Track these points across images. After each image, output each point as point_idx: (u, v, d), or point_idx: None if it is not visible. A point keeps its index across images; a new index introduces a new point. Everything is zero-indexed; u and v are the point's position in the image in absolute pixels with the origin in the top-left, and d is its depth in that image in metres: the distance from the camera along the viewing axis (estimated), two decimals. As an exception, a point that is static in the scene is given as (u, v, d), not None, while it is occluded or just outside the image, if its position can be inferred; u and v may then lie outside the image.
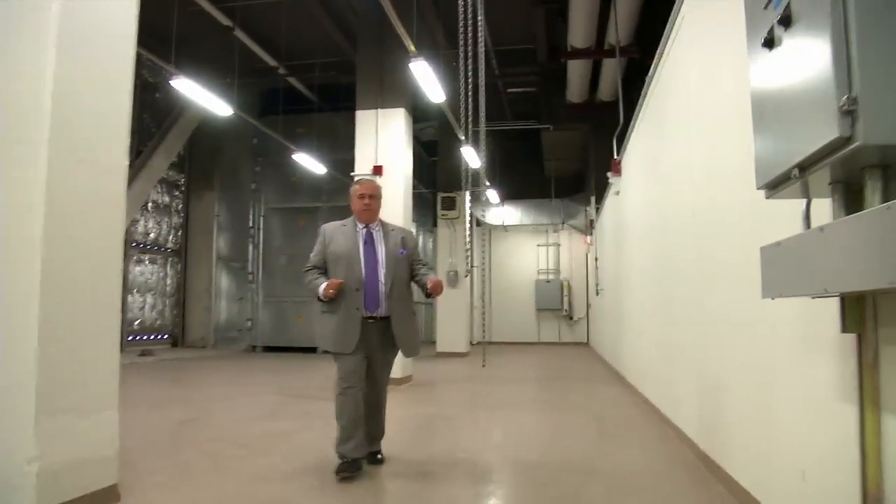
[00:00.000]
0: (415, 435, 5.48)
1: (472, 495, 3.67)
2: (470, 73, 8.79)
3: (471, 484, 3.88)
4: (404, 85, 9.29)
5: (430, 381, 9.57)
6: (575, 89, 14.39)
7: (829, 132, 1.49)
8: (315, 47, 14.37)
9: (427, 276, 4.19)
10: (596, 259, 14.67)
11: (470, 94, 9.03)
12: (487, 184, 15.26)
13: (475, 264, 19.39)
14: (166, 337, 16.35)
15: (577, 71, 13.55)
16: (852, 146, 1.45)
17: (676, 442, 4.89)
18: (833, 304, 2.03)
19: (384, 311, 4.03)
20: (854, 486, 1.95)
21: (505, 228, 19.61)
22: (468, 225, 13.30)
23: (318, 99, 15.86)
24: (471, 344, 16.71)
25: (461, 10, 8.17)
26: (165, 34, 10.81)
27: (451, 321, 15.03)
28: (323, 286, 3.90)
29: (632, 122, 8.01)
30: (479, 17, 8.67)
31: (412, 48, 7.32)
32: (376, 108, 9.21)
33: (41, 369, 2.79)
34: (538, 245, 20.53)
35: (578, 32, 11.70)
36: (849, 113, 1.43)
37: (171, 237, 16.57)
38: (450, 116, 9.71)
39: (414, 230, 19.60)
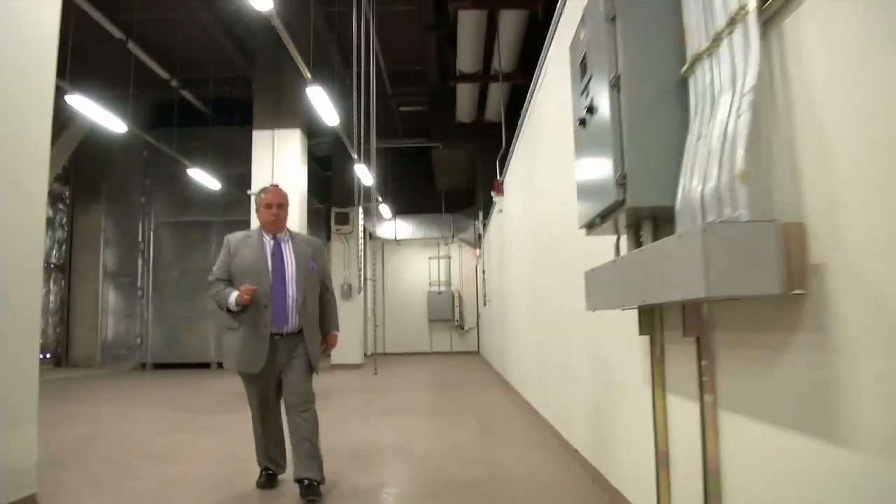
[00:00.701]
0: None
1: (370, 483, 4.18)
2: (363, 95, 9.28)
3: (366, 474, 4.38)
4: (300, 106, 9.69)
5: (326, 391, 9.93)
6: (464, 110, 15.18)
7: (611, 196, 2.14)
8: (210, 62, 14.41)
9: (330, 321, 4.09)
10: (483, 271, 15.50)
11: (362, 114, 9.53)
12: (380, 199, 15.81)
13: (369, 277, 19.87)
14: (48, 356, 15.78)
15: (465, 93, 14.34)
16: (625, 206, 2.10)
17: (542, 429, 5.60)
18: (636, 314, 2.71)
19: (294, 327, 3.82)
20: (651, 449, 2.63)
21: (397, 242, 20.19)
22: (361, 241, 13.73)
23: (213, 113, 15.87)
24: (365, 355, 17.12)
25: (354, 33, 8.71)
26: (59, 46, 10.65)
27: (344, 333, 15.27)
28: (234, 295, 3.69)
29: (512, 145, 8.78)
30: (373, 42, 9.19)
31: (308, 75, 7.77)
32: (273, 129, 9.58)
33: (-30, 385, 3.07)
34: (430, 258, 21.22)
35: (466, 58, 12.47)
36: (622, 184, 2.08)
37: (53, 252, 16.01)
38: (343, 137, 10.18)
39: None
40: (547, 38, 5.54)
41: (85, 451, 5.34)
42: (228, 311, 3.77)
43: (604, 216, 2.34)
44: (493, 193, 10.65)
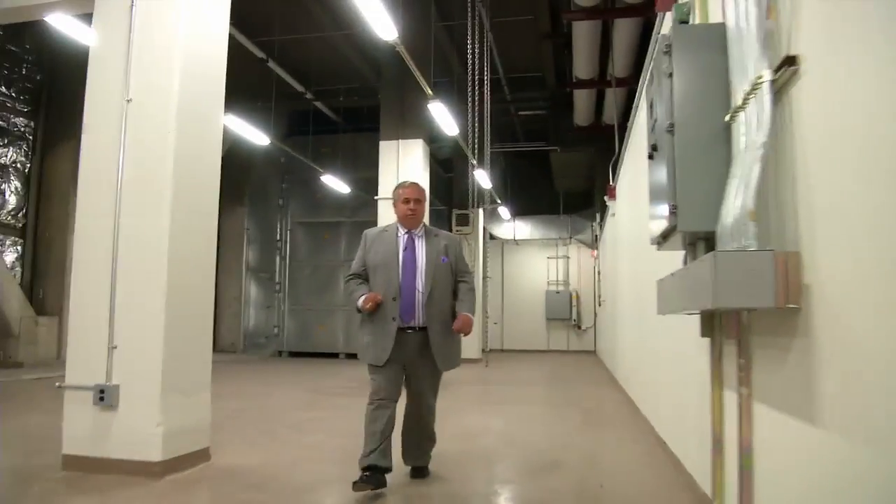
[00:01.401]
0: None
1: (479, 462, 4.77)
2: (476, 104, 9.89)
3: (468, 453, 4.98)
4: (422, 117, 10.44)
5: (445, 382, 10.62)
6: (581, 114, 15.45)
7: (667, 222, 2.60)
8: (340, 75, 15.59)
9: (462, 303, 3.95)
10: (599, 272, 15.72)
11: (477, 122, 10.14)
12: (498, 202, 16.39)
13: (488, 275, 20.52)
14: (200, 342, 17.60)
15: (582, 98, 14.63)
16: (677, 231, 2.55)
17: (640, 424, 5.97)
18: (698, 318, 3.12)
19: (421, 322, 3.80)
20: (709, 434, 3.05)
21: (516, 242, 20.69)
22: (481, 241, 14.34)
23: (343, 121, 17.08)
24: (483, 351, 17.78)
25: (469, 45, 9.33)
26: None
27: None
28: (361, 299, 3.76)
29: (622, 150, 9.09)
30: (487, 52, 9.77)
31: (429, 92, 8.47)
32: (397, 140, 10.38)
33: (164, 363, 3.95)
34: (548, 258, 21.54)
35: (581, 65, 12.79)
36: (673, 213, 2.53)
37: (206, 250, 17.87)
38: (463, 145, 10.83)
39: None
40: (649, 49, 5.88)
41: (238, 419, 6.29)
42: (358, 310, 3.83)
43: (664, 236, 2.79)
44: (605, 198, 10.96)
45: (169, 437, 3.95)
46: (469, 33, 9.60)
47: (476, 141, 10.58)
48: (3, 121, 11.58)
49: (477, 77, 10.37)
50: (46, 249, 12.20)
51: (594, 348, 20.38)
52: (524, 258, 21.72)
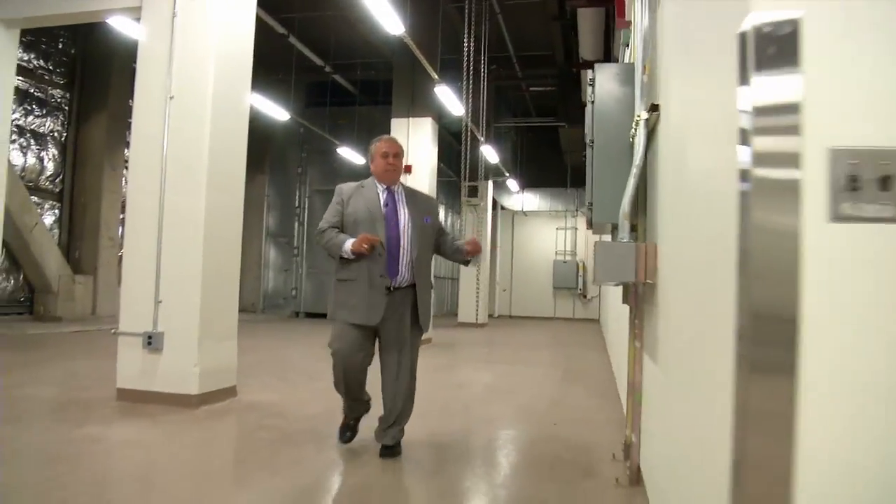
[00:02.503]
0: (428, 375, 7.50)
1: (462, 405, 5.66)
2: (483, 83, 10.60)
3: (459, 398, 5.87)
4: (431, 98, 11.17)
5: (448, 344, 11.57)
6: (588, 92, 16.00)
7: (590, 214, 3.41)
8: (357, 50, 16.28)
9: (454, 242, 3.97)
10: (601, 244, 16.48)
11: (483, 100, 10.86)
12: (507, 174, 17.13)
13: (498, 244, 21.37)
14: (222, 301, 18.70)
15: (589, 76, 15.20)
16: (594, 221, 3.36)
17: (612, 382, 6.83)
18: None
19: (406, 281, 3.68)
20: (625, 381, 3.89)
21: (525, 213, 21.45)
22: (490, 211, 15.09)
23: (360, 93, 17.81)
24: (490, 316, 18.69)
25: (469, 29, 10.00)
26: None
27: (472, 295, 16.93)
28: (350, 241, 3.54)
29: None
30: (486, 41, 10.43)
31: (435, 76, 9.21)
32: (408, 118, 11.14)
33: (201, 315, 4.85)
34: (557, 228, 22.29)
35: (587, 47, 13.36)
36: (590, 208, 3.34)
37: (227, 214, 18.87)
38: (469, 123, 11.57)
39: (442, 213, 21.77)
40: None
41: (259, 367, 7.23)
42: (341, 258, 3.63)
43: (590, 222, 3.61)
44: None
45: (204, 375, 4.88)
46: (467, 21, 10.25)
47: (483, 118, 11.32)
48: (42, 92, 12.48)
49: (485, 59, 11.09)
50: (82, 213, 13.19)
51: (598, 317, 21.24)
52: (533, 229, 22.49)
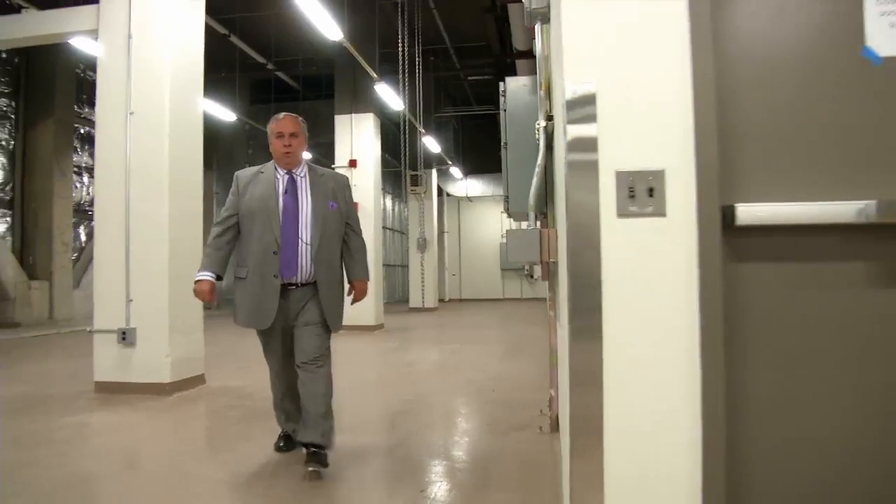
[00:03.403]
0: (380, 356, 8.09)
1: (411, 380, 6.27)
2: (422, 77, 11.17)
3: (408, 374, 6.48)
4: (373, 94, 11.68)
5: (400, 328, 12.18)
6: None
7: (506, 205, 4.03)
8: (298, 47, 16.60)
9: (355, 265, 3.56)
10: (543, 226, 17.27)
11: (419, 94, 11.42)
12: (449, 163, 17.74)
13: (445, 230, 22.01)
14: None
15: (523, 66, 15.89)
16: (511, 211, 3.99)
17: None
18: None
19: (307, 277, 3.31)
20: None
21: (470, 199, 22.13)
22: (435, 199, 15.69)
23: (303, 88, 18.14)
24: (440, 300, 19.34)
25: (401, 23, 10.52)
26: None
27: (420, 281, 17.56)
28: (198, 276, 3.35)
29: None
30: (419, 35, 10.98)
31: (374, 75, 9.73)
32: (350, 114, 11.62)
33: (169, 310, 5.33)
34: (501, 212, 22.97)
35: (519, 38, 14.03)
36: (506, 199, 3.96)
37: (176, 213, 19.03)
38: (410, 117, 12.12)
39: (389, 203, 22.28)
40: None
41: (222, 358, 7.71)
42: (237, 263, 3.39)
43: (508, 212, 4.24)
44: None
45: (175, 365, 5.37)
46: (401, 17, 10.78)
47: (420, 110, 11.86)
48: (-13, 102, 12.53)
49: (420, 53, 11.60)
50: (34, 219, 13.29)
51: (545, 296, 22.06)
52: (478, 214, 23.21)
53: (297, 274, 3.30)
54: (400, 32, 11.18)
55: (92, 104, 14.66)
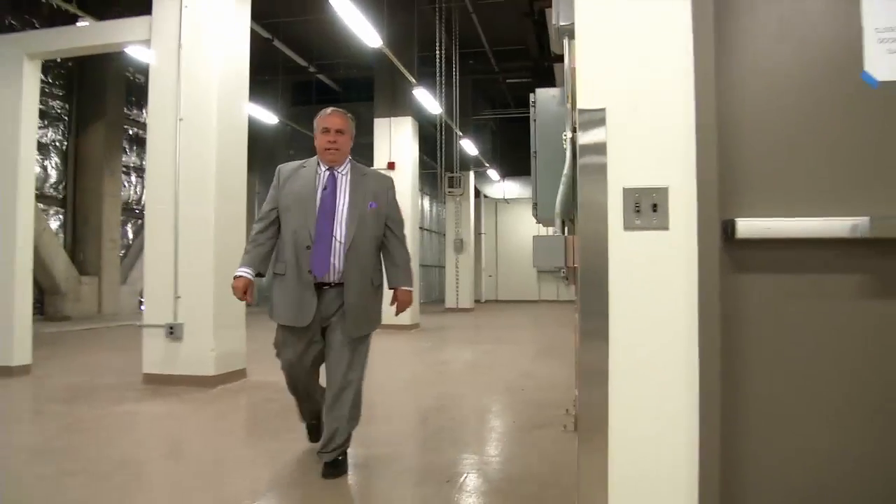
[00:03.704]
0: (416, 355, 8.30)
1: (444, 378, 6.46)
2: (456, 81, 11.35)
3: (443, 371, 6.67)
4: (411, 98, 11.90)
5: (435, 328, 12.39)
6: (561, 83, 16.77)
7: (535, 212, 4.19)
8: (339, 51, 16.95)
9: (398, 272, 3.41)
10: (579, 228, 17.34)
11: (455, 98, 11.60)
12: (487, 165, 17.90)
13: (482, 231, 22.17)
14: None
15: (560, 70, 15.96)
16: (539, 218, 4.14)
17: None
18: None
19: (337, 276, 3.20)
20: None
21: (507, 201, 22.25)
22: (472, 200, 15.85)
23: (343, 90, 18.50)
24: (476, 301, 19.51)
25: (438, 31, 10.70)
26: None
27: (458, 281, 17.75)
28: (238, 272, 3.29)
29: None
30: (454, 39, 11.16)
31: (413, 80, 9.95)
32: (390, 117, 11.87)
33: (214, 307, 5.61)
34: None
35: (556, 42, 14.08)
36: (535, 205, 4.12)
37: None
38: (448, 119, 12.31)
39: (427, 204, 22.51)
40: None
41: (261, 353, 7.96)
42: (277, 258, 3.30)
43: (538, 218, 4.40)
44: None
45: (219, 359, 5.65)
46: (439, 22, 10.97)
47: (456, 114, 12.04)
48: (43, 104, 13.11)
49: (456, 59, 11.77)
50: (84, 217, 13.87)
51: (581, 298, 22.04)
52: (515, 215, 23.33)
53: (328, 271, 3.18)
54: (437, 36, 11.37)
55: (140, 106, 15.31)
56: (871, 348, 1.85)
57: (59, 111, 13.50)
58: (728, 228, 1.88)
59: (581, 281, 2.01)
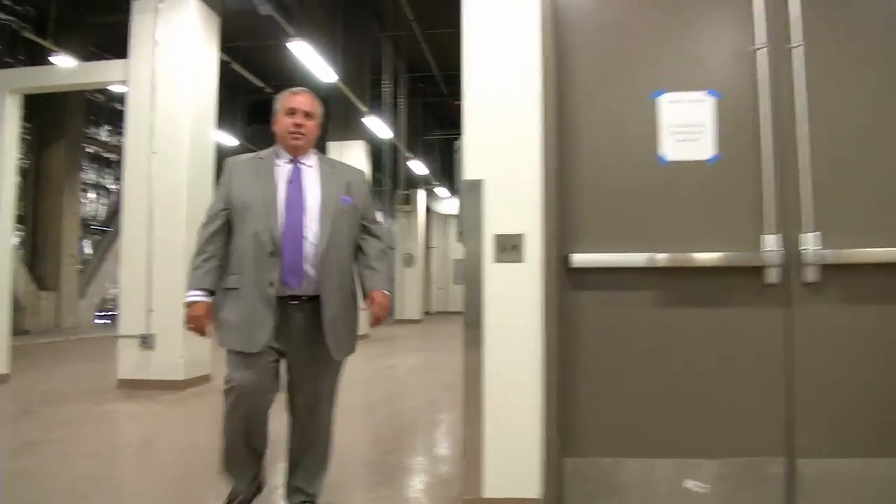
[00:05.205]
0: (365, 361, 9.12)
1: (391, 379, 7.28)
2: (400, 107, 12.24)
3: (390, 373, 7.49)
4: (363, 124, 12.72)
5: (385, 338, 13.18)
6: (506, 107, 17.83)
7: (460, 238, 5.07)
8: (296, 75, 17.64)
9: (374, 274, 2.81)
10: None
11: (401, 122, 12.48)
12: (436, 183, 18.84)
13: (432, 245, 23.08)
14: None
15: (454, 146, 17.03)
16: (464, 242, 5.02)
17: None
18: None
19: (312, 288, 2.62)
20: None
21: (456, 217, 23.20)
22: (423, 216, 16.72)
23: (299, 111, 19.19)
24: (425, 313, 20.36)
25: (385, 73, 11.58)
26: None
27: (407, 294, 18.57)
28: (188, 298, 2.63)
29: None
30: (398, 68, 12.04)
31: (364, 109, 10.80)
32: (342, 141, 12.68)
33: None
34: (487, 229, 24.09)
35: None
36: (460, 234, 5.00)
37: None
38: (398, 144, 13.20)
39: (380, 217, 23.12)
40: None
41: (221, 361, 8.67)
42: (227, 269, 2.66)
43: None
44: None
45: (187, 365, 6.38)
46: (390, 53, 11.85)
47: (403, 137, 12.89)
48: (6, 126, 13.56)
49: (407, 84, 12.67)
50: (43, 234, 14.30)
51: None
52: (465, 230, 24.23)
53: (302, 282, 2.59)
54: (390, 66, 12.28)
55: (99, 125, 15.77)
56: (662, 340, 2.79)
57: (22, 132, 13.93)
58: (566, 260, 2.78)
59: (465, 299, 2.86)
